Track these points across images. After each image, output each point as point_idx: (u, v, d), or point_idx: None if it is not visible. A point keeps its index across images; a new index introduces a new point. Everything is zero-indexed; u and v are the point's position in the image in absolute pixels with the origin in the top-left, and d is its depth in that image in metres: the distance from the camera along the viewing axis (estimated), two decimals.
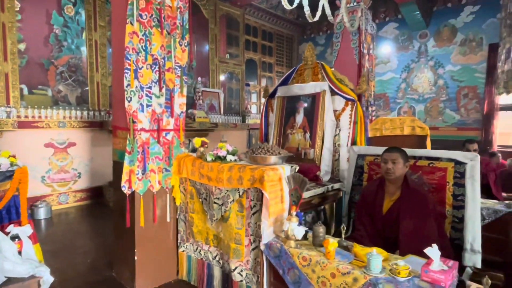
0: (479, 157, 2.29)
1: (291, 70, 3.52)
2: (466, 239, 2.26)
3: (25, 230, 2.30)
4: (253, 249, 2.15)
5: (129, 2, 2.33)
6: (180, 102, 2.70)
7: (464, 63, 7.39)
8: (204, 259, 2.54)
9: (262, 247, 2.08)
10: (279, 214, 2.11)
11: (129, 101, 2.39)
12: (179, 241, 2.75)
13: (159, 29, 2.51)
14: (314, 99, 3.23)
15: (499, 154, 6.53)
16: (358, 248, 1.82)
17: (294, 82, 3.47)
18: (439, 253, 1.61)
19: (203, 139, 2.59)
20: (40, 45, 5.01)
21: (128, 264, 2.60)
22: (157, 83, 2.53)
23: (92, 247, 3.46)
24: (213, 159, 2.41)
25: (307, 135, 3.27)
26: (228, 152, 2.40)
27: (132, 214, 2.49)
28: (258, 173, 2.06)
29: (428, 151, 2.54)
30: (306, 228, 2.00)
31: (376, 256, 1.64)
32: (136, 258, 2.52)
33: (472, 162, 2.29)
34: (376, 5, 8.38)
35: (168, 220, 2.69)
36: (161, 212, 2.66)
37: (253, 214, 2.14)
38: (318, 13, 3.71)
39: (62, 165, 5.05)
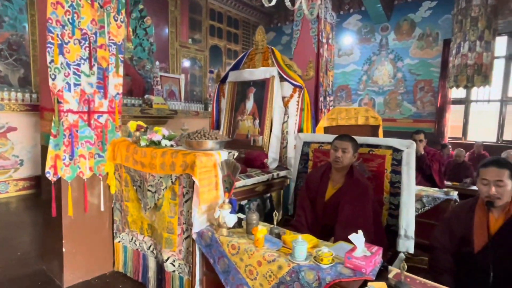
0: (414, 144, 2.32)
1: (242, 55, 3.40)
2: (401, 225, 2.29)
3: None
4: (185, 238, 2.05)
5: None
6: (115, 83, 2.51)
7: (421, 57, 7.64)
8: (139, 250, 2.41)
9: (194, 236, 1.98)
10: (213, 201, 2.02)
11: (53, 79, 2.17)
12: (115, 231, 2.60)
13: (89, 1, 2.29)
14: (264, 84, 3.14)
15: (450, 146, 6.88)
16: (287, 235, 1.77)
17: (246, 67, 3.36)
18: (363, 239, 1.59)
19: (139, 122, 2.42)
20: None
21: (56, 256, 2.41)
22: (87, 60, 2.32)
23: (26, 239, 3.21)
24: (147, 144, 2.27)
25: (257, 121, 3.19)
26: (164, 137, 2.26)
27: (58, 203, 2.30)
28: (189, 158, 1.94)
29: (368, 139, 2.55)
30: (239, 215, 1.92)
31: (301, 243, 1.59)
32: (64, 250, 2.34)
33: (408, 149, 2.31)
34: None
35: (102, 209, 2.52)
36: (94, 201, 2.48)
37: (186, 201, 2.04)
38: None
39: (0, 152, 4.65)
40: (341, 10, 8.80)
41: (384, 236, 2.16)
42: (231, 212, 1.94)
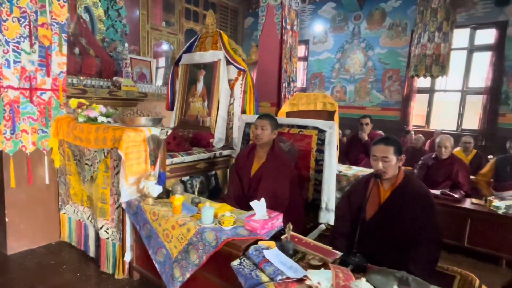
0: (336, 125, 2.53)
1: (194, 37, 3.51)
2: (322, 199, 2.52)
3: None
4: (117, 208, 2.22)
5: None
6: (59, 61, 2.60)
7: (391, 47, 7.84)
8: (81, 220, 2.57)
9: (123, 205, 2.15)
10: (142, 174, 2.18)
11: None
12: (60, 203, 2.74)
13: None
14: (213, 67, 3.27)
15: (412, 132, 7.19)
16: (201, 204, 1.95)
17: (197, 50, 3.48)
18: (264, 206, 1.79)
19: (81, 100, 2.54)
20: None
21: (1, 227, 2.55)
22: (27, 38, 2.40)
23: None
24: (85, 120, 2.39)
25: (205, 103, 3.34)
26: (101, 114, 2.39)
27: (0, 175, 2.42)
28: (118, 133, 2.09)
29: (298, 120, 2.75)
30: (161, 186, 2.09)
31: (207, 208, 1.78)
32: (6, 219, 2.47)
33: (331, 130, 2.52)
34: None
35: (47, 182, 2.65)
36: (38, 174, 2.61)
37: (116, 174, 2.19)
38: None
39: None
40: None
41: (301, 207, 2.37)
42: (158, 184, 2.11)
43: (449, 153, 3.46)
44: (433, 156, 3.62)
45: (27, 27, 2.39)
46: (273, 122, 2.44)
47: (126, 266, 2.25)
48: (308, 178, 2.63)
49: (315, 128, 2.60)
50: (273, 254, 1.54)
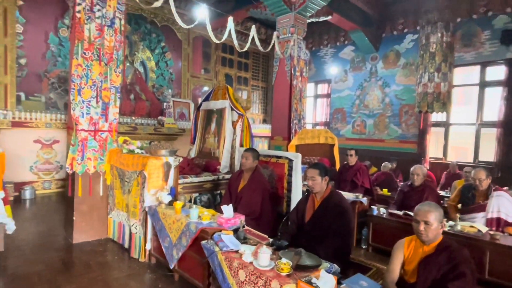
0: (300, 156, 3.35)
1: (210, 90, 4.65)
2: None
3: (0, 194, 3.45)
4: (142, 211, 3.25)
5: (75, 45, 3.51)
6: (113, 112, 3.85)
7: (406, 84, 8.41)
8: (121, 222, 3.65)
9: (146, 209, 3.18)
10: (159, 187, 3.21)
11: (73, 110, 3.55)
12: (108, 210, 3.87)
13: (98, 62, 3.68)
14: (221, 112, 4.34)
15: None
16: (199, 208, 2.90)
17: (213, 99, 4.60)
18: (231, 209, 2.68)
19: (126, 137, 3.72)
20: (38, 60, 6.27)
21: (70, 223, 3.73)
22: (95, 98, 3.69)
23: (56, 217, 4.59)
24: (127, 151, 3.54)
25: (216, 139, 4.38)
26: (137, 147, 3.53)
27: (73, 187, 3.63)
28: (145, 160, 3.17)
29: (276, 152, 3.63)
30: (171, 196, 3.09)
31: (193, 209, 2.73)
32: (74, 218, 3.65)
33: (296, 159, 3.36)
34: (338, 30, 9.50)
35: (101, 194, 3.82)
36: (96, 188, 3.79)
37: (143, 187, 3.25)
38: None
39: (47, 158, 6.25)
40: (337, 41, 9.86)
41: (269, 215, 3.19)
42: (169, 195, 3.12)
43: (420, 181, 4.01)
44: (408, 183, 4.19)
45: (95, 91, 3.69)
46: (254, 154, 3.36)
47: (147, 253, 3.24)
48: (283, 196, 3.46)
49: (286, 158, 3.46)
50: (228, 237, 2.41)
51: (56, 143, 6.33)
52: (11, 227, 3.42)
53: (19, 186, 5.78)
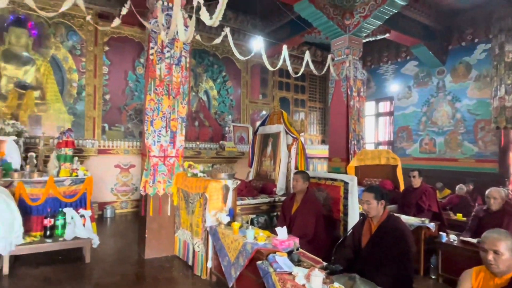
0: (356, 178, 3.30)
1: (266, 115, 4.86)
2: None
3: (88, 213, 4.03)
4: (204, 230, 3.49)
5: (148, 82, 4.04)
6: (180, 139, 4.27)
7: (480, 98, 7.67)
8: (186, 240, 3.94)
9: (208, 229, 3.41)
10: (219, 209, 3.43)
11: (147, 139, 4.04)
12: (175, 229, 4.21)
13: (167, 96, 4.16)
14: (277, 136, 4.50)
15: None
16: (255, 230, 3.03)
17: (268, 123, 4.80)
18: (285, 231, 2.76)
19: (190, 162, 4.08)
20: (119, 95, 7.26)
21: (142, 240, 4.14)
22: (164, 128, 4.15)
23: (131, 234, 5.13)
24: (191, 175, 3.87)
25: (272, 162, 4.53)
26: (200, 171, 3.84)
27: (145, 207, 4.06)
28: (206, 183, 3.44)
29: (331, 174, 3.62)
30: (229, 217, 3.27)
31: (249, 230, 2.86)
32: (146, 236, 4.05)
33: (352, 182, 3.31)
34: (398, 46, 9.19)
35: (168, 214, 4.19)
36: (164, 209, 4.18)
37: (205, 208, 3.50)
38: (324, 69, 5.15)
39: (125, 181, 7.05)
40: (398, 58, 9.51)
41: (324, 238, 3.16)
42: (227, 215, 3.31)
43: (498, 205, 3.60)
44: (484, 207, 3.78)
45: (165, 122, 4.15)
46: (304, 176, 3.41)
47: (208, 271, 3.43)
48: (339, 220, 3.41)
49: (342, 180, 3.43)
50: (282, 259, 2.48)
51: (132, 168, 7.11)
52: (96, 241, 3.94)
53: (102, 206, 6.59)
